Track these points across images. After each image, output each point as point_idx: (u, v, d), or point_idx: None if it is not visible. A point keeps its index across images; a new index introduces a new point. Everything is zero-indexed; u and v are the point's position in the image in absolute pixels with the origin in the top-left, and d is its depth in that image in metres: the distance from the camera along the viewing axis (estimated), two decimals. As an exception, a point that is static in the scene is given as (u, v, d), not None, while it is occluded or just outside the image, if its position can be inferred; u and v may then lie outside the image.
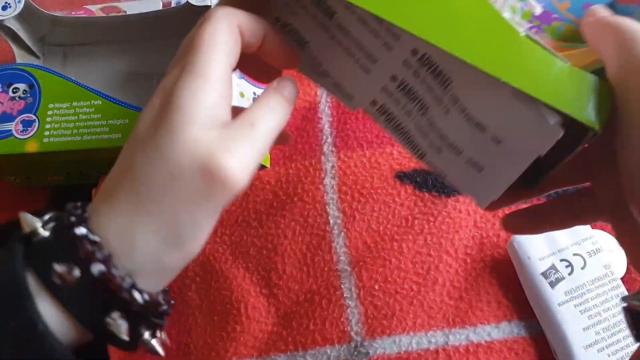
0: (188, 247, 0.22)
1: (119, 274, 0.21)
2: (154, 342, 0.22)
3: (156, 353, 0.23)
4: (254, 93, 0.45)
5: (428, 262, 0.42)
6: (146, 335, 0.22)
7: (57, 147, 0.40)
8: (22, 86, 0.42)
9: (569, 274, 0.39)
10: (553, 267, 0.40)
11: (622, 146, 0.22)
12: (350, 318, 0.41)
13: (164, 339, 0.23)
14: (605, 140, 0.23)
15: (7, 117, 0.41)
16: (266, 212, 0.45)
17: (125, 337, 0.21)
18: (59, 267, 0.20)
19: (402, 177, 0.45)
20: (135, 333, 0.22)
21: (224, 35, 0.23)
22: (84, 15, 0.47)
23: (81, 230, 0.21)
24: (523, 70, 0.22)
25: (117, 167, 0.23)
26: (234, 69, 0.24)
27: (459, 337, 0.40)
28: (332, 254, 0.43)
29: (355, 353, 0.40)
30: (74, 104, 0.41)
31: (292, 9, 0.27)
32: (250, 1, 0.26)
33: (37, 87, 0.42)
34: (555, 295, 0.39)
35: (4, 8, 0.44)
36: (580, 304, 0.38)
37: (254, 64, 0.27)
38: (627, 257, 0.26)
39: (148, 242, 0.21)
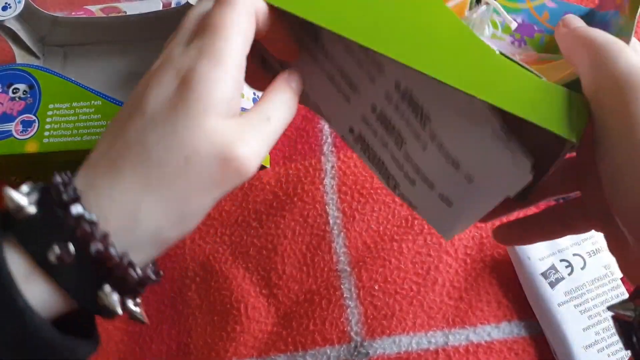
0: (188, 226, 0.22)
1: (116, 253, 0.21)
2: (137, 310, 0.22)
3: (140, 321, 0.23)
4: (254, 93, 0.45)
5: (428, 262, 0.42)
6: (130, 303, 0.22)
7: (57, 147, 0.40)
8: (22, 86, 0.42)
9: (569, 274, 0.39)
10: (553, 267, 0.40)
11: (600, 157, 0.23)
12: (350, 318, 0.41)
13: (140, 308, 0.23)
14: (591, 151, 0.24)
15: (7, 118, 0.41)
16: (266, 212, 0.45)
17: (119, 311, 0.21)
18: (55, 247, 0.20)
19: (402, 177, 0.45)
20: (123, 304, 0.22)
21: (245, 23, 0.23)
22: (84, 16, 0.47)
23: (77, 210, 0.20)
24: (498, 87, 0.23)
25: (119, 137, 0.22)
26: None
27: (459, 337, 0.40)
28: (332, 254, 0.43)
29: (355, 353, 0.40)
30: (74, 104, 0.41)
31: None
32: None
33: (37, 87, 0.42)
34: (555, 296, 0.39)
35: (4, 8, 0.44)
36: (580, 304, 0.38)
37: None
38: (618, 264, 0.26)
39: (152, 220, 0.21)
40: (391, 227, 0.44)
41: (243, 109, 0.26)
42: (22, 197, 0.21)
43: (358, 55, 0.26)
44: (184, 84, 0.22)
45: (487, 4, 0.31)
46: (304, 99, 0.29)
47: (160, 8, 0.47)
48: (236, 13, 0.23)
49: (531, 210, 0.30)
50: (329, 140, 0.47)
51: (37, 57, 0.48)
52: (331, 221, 0.44)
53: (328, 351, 0.40)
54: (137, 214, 0.21)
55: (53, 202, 0.21)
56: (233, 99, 0.22)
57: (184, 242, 0.45)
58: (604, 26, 0.24)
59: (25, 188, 0.21)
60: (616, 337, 0.37)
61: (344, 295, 0.42)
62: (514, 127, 0.25)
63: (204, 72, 0.22)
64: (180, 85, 0.22)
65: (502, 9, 0.31)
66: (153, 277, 0.22)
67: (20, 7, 0.44)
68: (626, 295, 0.37)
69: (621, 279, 0.39)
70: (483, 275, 0.42)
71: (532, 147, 0.26)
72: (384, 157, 0.29)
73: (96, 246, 0.20)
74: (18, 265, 0.20)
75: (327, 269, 0.43)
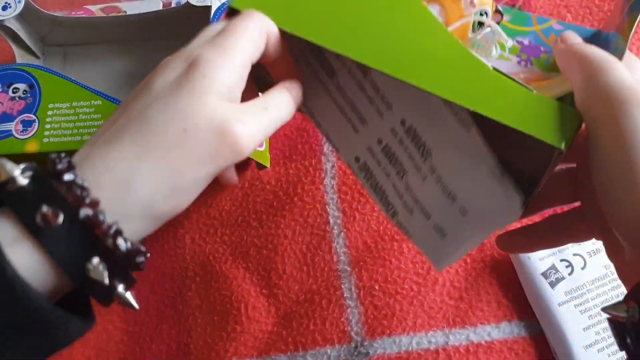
0: (179, 200, 0.23)
1: (106, 220, 0.21)
2: (128, 295, 0.22)
3: (131, 306, 0.23)
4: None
5: (428, 262, 0.42)
6: (120, 288, 0.22)
7: (57, 147, 0.40)
8: (22, 86, 0.42)
9: (569, 274, 0.39)
10: (553, 267, 0.40)
11: (593, 169, 0.24)
12: (350, 318, 0.41)
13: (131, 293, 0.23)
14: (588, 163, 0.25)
15: (7, 117, 0.41)
16: (266, 212, 0.45)
17: (106, 281, 0.21)
18: (44, 208, 0.20)
19: (402, 177, 0.45)
20: (111, 284, 0.22)
21: (257, 35, 0.25)
22: (84, 15, 0.47)
23: (69, 176, 0.21)
24: (491, 100, 0.24)
25: (122, 115, 0.23)
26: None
27: (459, 337, 0.40)
28: (332, 254, 0.43)
29: (356, 353, 0.40)
30: (74, 104, 0.41)
31: (295, 59, 0.29)
32: None
33: (37, 87, 0.42)
34: (555, 295, 0.39)
35: (4, 8, 0.44)
36: (581, 304, 0.38)
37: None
38: (615, 269, 0.27)
39: (145, 188, 0.21)
40: (391, 227, 0.44)
41: None
42: (16, 169, 0.21)
43: (369, 92, 0.28)
44: (191, 66, 0.23)
45: (489, 27, 0.33)
46: (317, 125, 0.31)
47: (160, 8, 0.47)
48: (252, 25, 0.25)
49: (533, 219, 0.31)
50: (329, 140, 0.47)
51: (37, 56, 0.48)
52: (331, 221, 0.44)
53: (328, 351, 0.40)
54: (130, 182, 0.21)
55: (47, 174, 0.21)
56: (235, 86, 0.24)
57: (184, 242, 0.45)
58: (605, 45, 0.25)
59: (22, 165, 0.22)
60: (616, 337, 0.37)
61: (344, 295, 0.42)
62: (510, 141, 0.27)
63: (211, 58, 0.23)
64: (188, 67, 0.23)
65: (499, 29, 0.33)
66: (143, 248, 0.22)
67: (20, 6, 0.44)
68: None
69: (621, 278, 0.39)
70: (483, 275, 0.42)
71: (526, 160, 0.28)
72: (386, 186, 0.30)
73: (85, 211, 0.20)
74: (5, 230, 0.20)
75: (327, 269, 0.43)
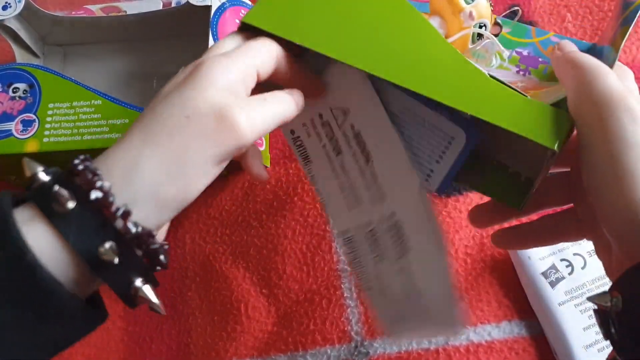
0: (185, 186, 0.23)
1: (116, 202, 0.22)
2: (146, 288, 0.23)
3: (154, 306, 0.24)
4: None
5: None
6: (138, 282, 0.23)
7: (57, 147, 0.40)
8: (22, 86, 0.42)
9: (569, 273, 0.39)
10: (553, 266, 0.40)
11: (583, 171, 0.25)
12: (350, 318, 0.41)
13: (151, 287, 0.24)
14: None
15: (7, 117, 0.41)
16: (266, 212, 0.45)
17: (116, 260, 0.22)
18: (56, 187, 0.21)
19: (402, 177, 0.45)
20: (127, 275, 0.23)
21: (265, 54, 0.27)
22: (84, 15, 0.47)
23: (82, 165, 0.22)
24: (487, 104, 0.26)
25: (136, 121, 0.25)
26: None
27: (459, 336, 0.40)
28: (332, 254, 0.43)
29: (356, 353, 0.40)
30: (74, 103, 0.41)
31: (307, 130, 0.32)
32: None
33: (37, 86, 0.42)
34: (555, 295, 0.39)
35: (4, 8, 0.44)
36: (581, 304, 0.38)
37: None
38: (603, 267, 0.28)
39: (150, 171, 0.23)
40: (391, 227, 0.44)
41: None
42: (39, 166, 0.23)
43: (368, 178, 0.31)
44: (196, 66, 0.25)
45: (487, 39, 0.35)
46: (316, 192, 0.34)
47: (160, 8, 0.47)
48: (261, 45, 0.27)
49: (530, 218, 0.32)
50: (329, 140, 0.47)
51: (37, 56, 0.48)
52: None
53: (328, 351, 0.40)
54: (136, 166, 0.23)
55: (65, 171, 0.23)
56: (236, 85, 0.25)
57: (184, 242, 0.45)
58: (598, 56, 0.27)
59: (44, 167, 0.23)
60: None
61: (344, 295, 0.42)
62: (506, 145, 0.30)
63: (216, 60, 0.25)
64: (193, 68, 0.25)
65: (496, 40, 0.35)
66: (154, 234, 0.23)
67: (21, 6, 0.44)
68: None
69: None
70: (483, 275, 0.42)
71: (522, 163, 0.30)
72: (366, 263, 0.33)
73: (96, 194, 0.22)
74: (22, 213, 0.22)
75: (327, 269, 0.43)
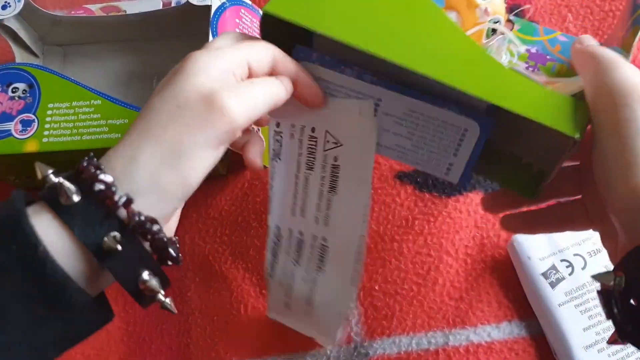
0: (184, 171, 0.24)
1: (117, 192, 0.23)
2: (154, 282, 0.24)
3: (165, 305, 0.24)
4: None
5: (428, 263, 0.42)
6: (145, 275, 0.24)
7: (56, 147, 0.40)
8: (21, 86, 0.42)
9: (570, 274, 0.39)
10: (553, 267, 0.40)
11: (595, 160, 0.26)
12: (350, 318, 0.41)
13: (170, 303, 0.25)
14: (591, 159, 0.27)
15: (6, 117, 0.41)
16: (266, 212, 0.45)
17: (119, 247, 0.23)
18: (65, 183, 0.22)
19: (403, 177, 0.45)
20: (135, 266, 0.23)
21: (258, 47, 0.27)
22: (84, 15, 0.47)
23: (90, 161, 0.23)
24: (509, 94, 0.27)
25: (135, 119, 0.26)
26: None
27: (459, 337, 0.40)
28: (332, 254, 0.43)
29: (355, 354, 0.40)
30: (74, 103, 0.41)
31: (293, 133, 0.32)
32: None
33: (36, 86, 0.42)
34: (555, 296, 0.39)
35: (4, 7, 0.44)
36: (581, 304, 0.38)
37: None
38: (608, 256, 0.29)
39: (148, 162, 0.24)
40: (391, 227, 0.44)
41: None
42: (50, 168, 0.23)
43: (322, 204, 0.33)
44: (186, 59, 0.26)
45: (502, 34, 0.36)
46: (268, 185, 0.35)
47: (161, 7, 0.47)
48: (256, 42, 0.27)
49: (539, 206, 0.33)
50: (329, 140, 0.47)
51: (36, 56, 0.48)
52: (331, 221, 0.44)
53: (328, 351, 0.40)
54: (134, 158, 0.24)
55: (74, 171, 0.24)
56: (226, 72, 0.25)
57: (183, 242, 0.45)
58: None
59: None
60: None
61: (344, 296, 0.42)
62: (521, 137, 0.30)
63: (205, 51, 0.26)
64: (183, 61, 0.26)
65: (513, 36, 0.36)
66: (157, 221, 0.23)
67: (20, 6, 0.44)
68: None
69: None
70: (483, 276, 0.42)
71: (536, 153, 0.31)
72: (280, 259, 0.36)
73: (99, 186, 0.23)
74: (32, 209, 0.23)
75: (327, 269, 0.43)
